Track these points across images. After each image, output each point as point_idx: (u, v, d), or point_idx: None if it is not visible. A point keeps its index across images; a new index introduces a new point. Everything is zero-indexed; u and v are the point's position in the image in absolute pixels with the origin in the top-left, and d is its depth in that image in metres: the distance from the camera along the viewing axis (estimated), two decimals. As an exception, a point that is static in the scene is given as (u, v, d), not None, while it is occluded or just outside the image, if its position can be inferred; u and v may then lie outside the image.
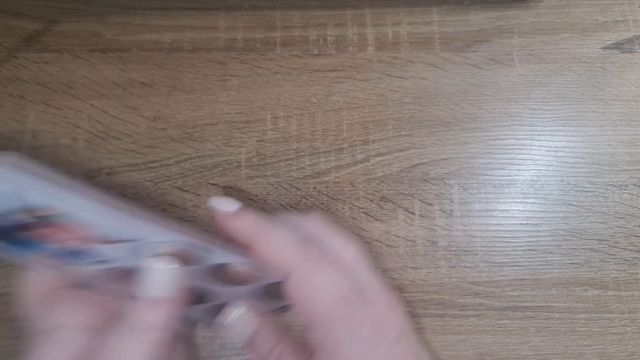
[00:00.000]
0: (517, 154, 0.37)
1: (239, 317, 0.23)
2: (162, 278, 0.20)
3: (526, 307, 0.34)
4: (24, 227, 0.21)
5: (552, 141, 0.38)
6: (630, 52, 0.40)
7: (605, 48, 0.40)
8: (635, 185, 0.37)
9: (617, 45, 0.40)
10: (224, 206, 0.23)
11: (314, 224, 0.24)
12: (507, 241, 0.35)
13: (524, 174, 0.37)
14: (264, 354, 0.23)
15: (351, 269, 0.22)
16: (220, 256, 0.22)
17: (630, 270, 0.35)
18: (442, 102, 0.38)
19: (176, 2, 0.40)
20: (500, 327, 0.33)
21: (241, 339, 0.23)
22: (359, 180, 0.36)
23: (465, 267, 0.34)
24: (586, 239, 0.35)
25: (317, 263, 0.22)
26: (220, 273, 0.24)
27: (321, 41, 0.39)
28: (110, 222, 0.21)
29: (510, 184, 0.36)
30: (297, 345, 0.23)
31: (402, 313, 0.23)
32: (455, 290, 0.34)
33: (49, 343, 0.20)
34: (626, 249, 0.35)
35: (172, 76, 0.38)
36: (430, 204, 0.36)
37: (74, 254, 0.22)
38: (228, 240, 0.23)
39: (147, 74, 0.38)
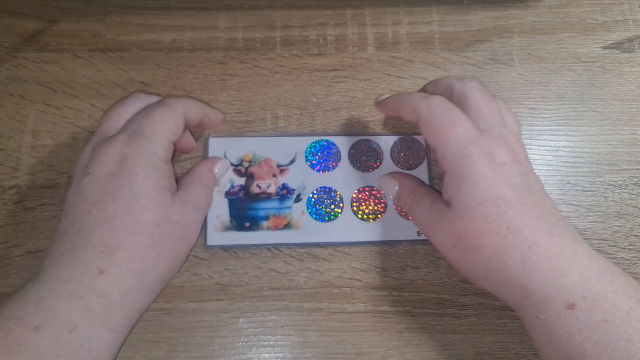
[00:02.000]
0: (517, 153, 0.37)
1: (385, 181, 0.34)
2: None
3: (526, 306, 0.34)
4: (246, 172, 0.35)
5: (552, 141, 0.38)
6: (630, 51, 0.40)
7: (605, 48, 0.40)
8: (635, 184, 0.37)
9: (617, 45, 0.40)
10: (381, 98, 0.34)
11: (463, 85, 0.31)
12: (507, 241, 0.35)
13: (523, 173, 0.37)
14: (405, 200, 0.32)
15: (487, 122, 0.29)
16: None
17: (630, 270, 0.35)
18: (442, 102, 0.38)
19: (176, 2, 0.40)
20: (500, 327, 0.33)
21: (391, 194, 0.34)
22: (358, 179, 0.36)
23: (465, 266, 0.34)
24: (586, 238, 0.35)
25: (442, 106, 0.29)
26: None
27: (321, 41, 0.39)
28: (277, 143, 0.35)
29: (510, 183, 0.36)
30: (428, 190, 0.32)
31: (515, 148, 0.28)
32: (455, 289, 0.34)
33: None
34: (626, 249, 0.35)
35: (172, 76, 0.38)
36: (430, 204, 0.36)
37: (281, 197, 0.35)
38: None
39: (147, 74, 0.38)
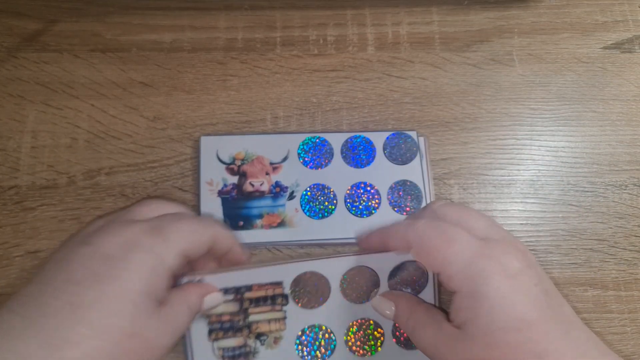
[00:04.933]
0: (517, 154, 0.37)
1: (379, 302, 0.30)
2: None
3: (526, 307, 0.34)
4: (239, 170, 0.35)
5: (552, 141, 0.38)
6: (630, 52, 0.40)
7: (605, 48, 0.40)
8: (635, 185, 0.37)
9: (617, 45, 0.40)
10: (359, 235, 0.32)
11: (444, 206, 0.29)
12: (507, 241, 0.35)
13: (523, 174, 0.37)
14: (405, 323, 0.28)
15: (479, 229, 0.27)
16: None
17: (630, 270, 0.35)
18: (442, 102, 0.38)
19: (176, 2, 0.40)
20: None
21: (387, 317, 0.30)
22: (359, 180, 0.36)
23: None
24: (586, 239, 0.35)
25: (433, 225, 0.27)
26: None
27: (321, 41, 0.39)
28: (270, 141, 0.36)
29: (510, 184, 0.36)
30: (428, 309, 0.28)
31: (522, 248, 0.26)
32: (455, 290, 0.34)
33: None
34: (626, 249, 0.35)
35: (172, 76, 0.38)
36: (430, 204, 0.36)
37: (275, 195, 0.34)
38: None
39: (147, 74, 0.38)
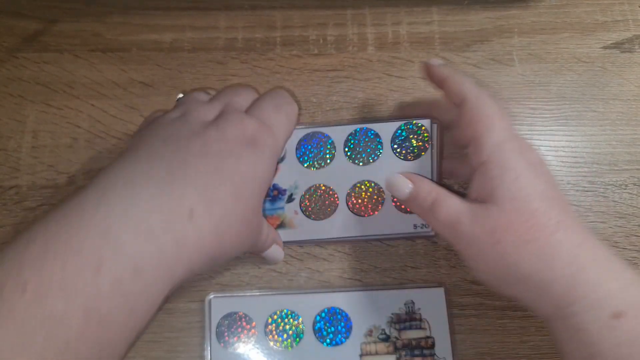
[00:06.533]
0: (517, 153, 0.37)
1: (396, 179, 0.30)
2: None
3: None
4: None
5: (552, 141, 0.38)
6: (630, 51, 0.40)
7: (605, 48, 0.40)
8: (635, 184, 0.37)
9: (617, 45, 0.40)
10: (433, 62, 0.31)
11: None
12: (507, 241, 0.35)
13: (524, 173, 0.37)
14: (423, 199, 0.29)
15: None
16: None
17: (630, 270, 0.35)
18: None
19: (176, 2, 0.40)
20: (500, 327, 0.33)
21: (403, 195, 0.30)
22: (359, 179, 0.36)
23: (465, 267, 0.34)
24: (586, 239, 0.35)
25: (487, 96, 0.29)
26: None
27: (321, 41, 0.39)
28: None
29: (510, 183, 0.36)
30: (446, 189, 0.29)
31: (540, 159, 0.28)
32: (455, 290, 0.34)
33: None
34: (626, 249, 0.35)
35: (173, 76, 0.38)
36: (430, 204, 0.36)
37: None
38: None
39: (147, 74, 0.38)
